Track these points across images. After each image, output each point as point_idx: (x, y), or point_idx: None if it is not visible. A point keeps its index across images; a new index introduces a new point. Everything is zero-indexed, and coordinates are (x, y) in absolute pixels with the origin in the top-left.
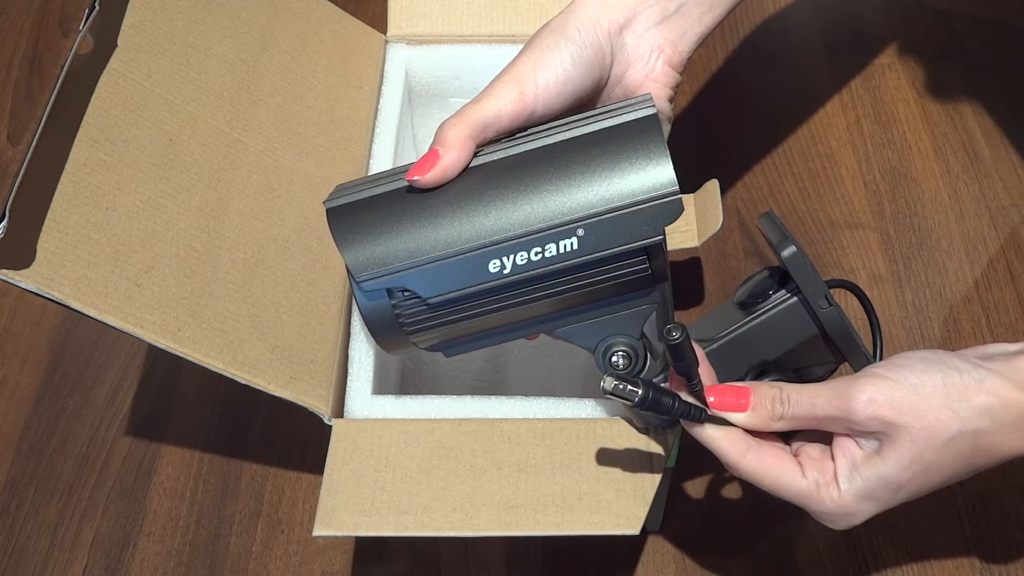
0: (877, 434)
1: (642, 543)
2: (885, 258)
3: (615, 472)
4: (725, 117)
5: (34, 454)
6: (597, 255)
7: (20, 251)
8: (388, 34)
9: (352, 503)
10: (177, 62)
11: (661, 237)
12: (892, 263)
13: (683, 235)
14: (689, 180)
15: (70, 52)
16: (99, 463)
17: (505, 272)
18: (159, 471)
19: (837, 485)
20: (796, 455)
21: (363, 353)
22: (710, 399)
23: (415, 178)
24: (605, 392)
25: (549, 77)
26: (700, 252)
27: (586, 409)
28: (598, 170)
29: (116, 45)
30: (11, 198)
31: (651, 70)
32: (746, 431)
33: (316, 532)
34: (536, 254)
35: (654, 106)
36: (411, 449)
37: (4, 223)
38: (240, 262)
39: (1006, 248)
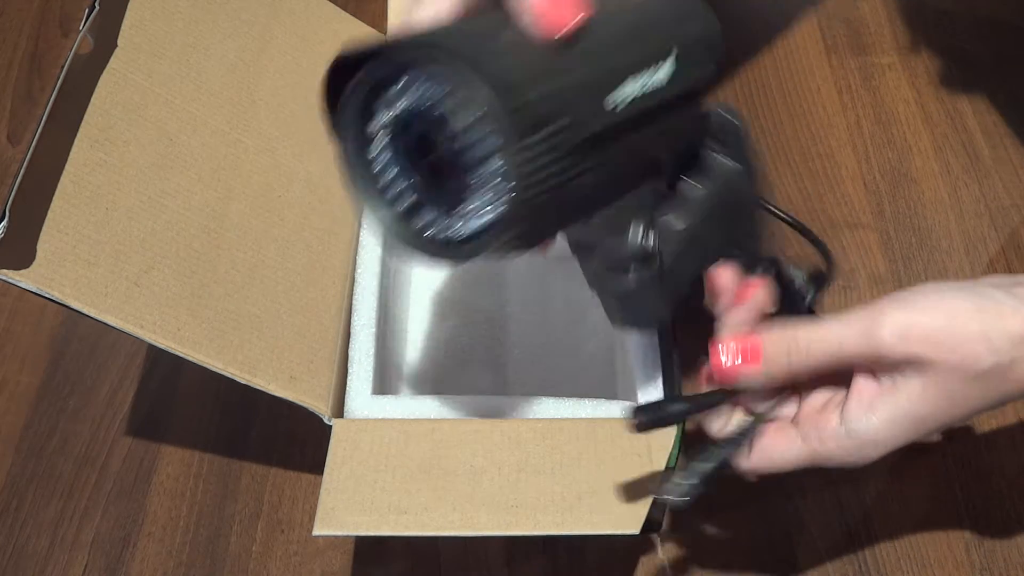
0: (902, 367)
1: (642, 543)
2: (885, 258)
3: (615, 472)
4: None
5: (34, 454)
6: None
7: (20, 251)
8: (388, 34)
9: (352, 503)
10: (177, 62)
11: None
12: (892, 263)
13: None
14: None
15: (70, 52)
16: (99, 463)
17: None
18: (159, 471)
19: (845, 430)
20: (797, 416)
21: (363, 353)
22: (717, 358)
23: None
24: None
25: None
26: None
27: (586, 409)
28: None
29: (116, 45)
30: (11, 198)
31: None
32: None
33: (316, 531)
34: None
35: None
36: (411, 449)
37: (4, 223)
38: (240, 262)
39: (1006, 248)
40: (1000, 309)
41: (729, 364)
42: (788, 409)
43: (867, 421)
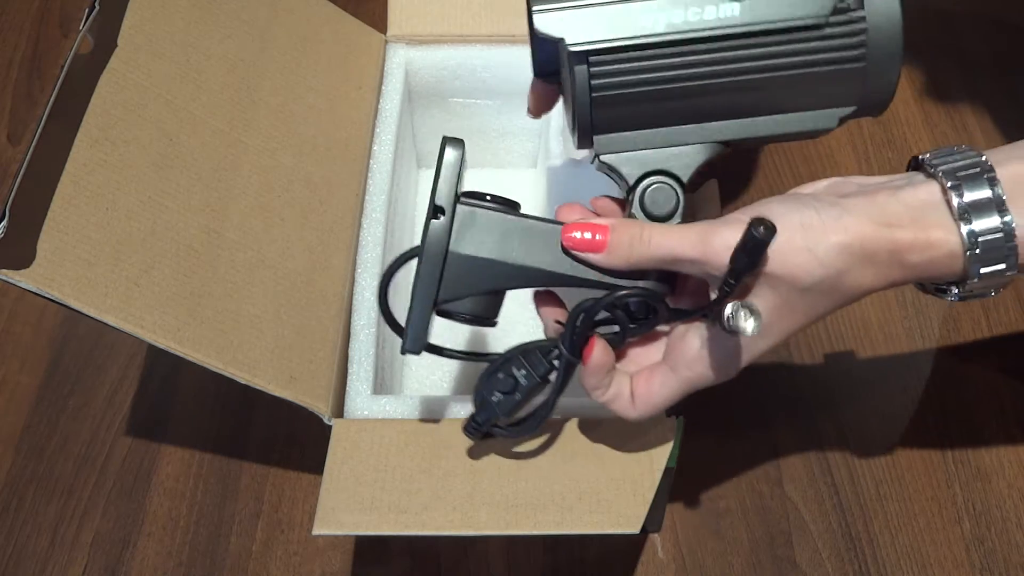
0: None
1: (642, 543)
2: None
3: (615, 471)
4: None
5: (34, 454)
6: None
7: (20, 251)
8: (388, 34)
9: (352, 502)
10: (177, 62)
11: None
12: None
13: None
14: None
15: (70, 52)
16: (99, 463)
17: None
18: (159, 471)
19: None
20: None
21: (363, 353)
22: (569, 235)
23: None
24: None
25: None
26: None
27: (586, 409)
28: None
29: (116, 45)
30: (11, 198)
31: None
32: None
33: (316, 531)
34: (694, 14)
35: None
36: (411, 449)
37: (4, 223)
38: (240, 262)
39: None
40: (823, 223)
41: (576, 244)
42: (649, 355)
43: (718, 335)
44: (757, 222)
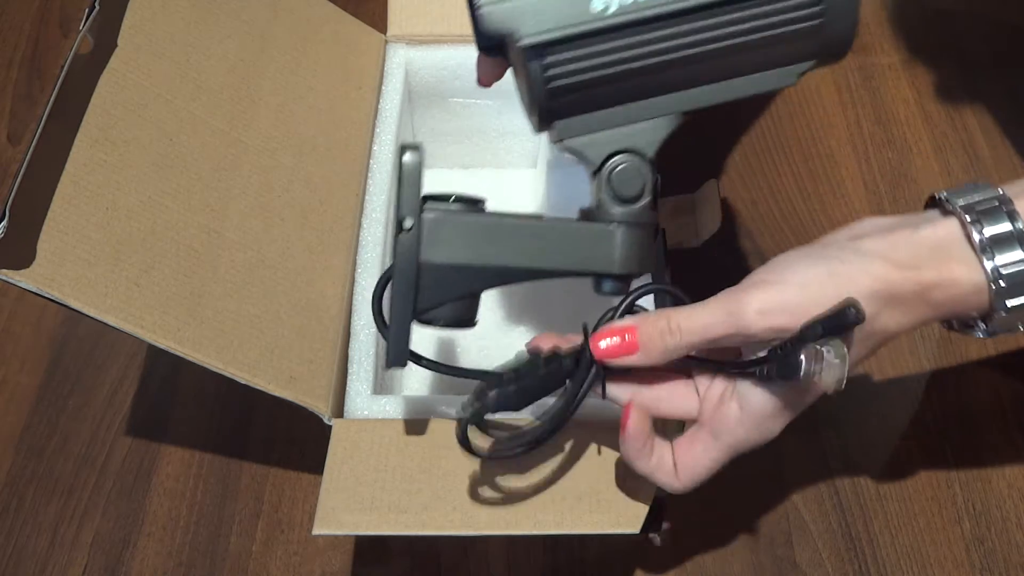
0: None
1: (642, 543)
2: None
3: (615, 471)
4: (725, 117)
5: (34, 454)
6: None
7: (20, 251)
8: (388, 34)
9: (352, 502)
10: (177, 62)
11: None
12: None
13: (683, 235)
14: (688, 180)
15: (70, 52)
16: (99, 463)
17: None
18: (159, 471)
19: (745, 414)
20: (701, 418)
21: (363, 353)
22: (598, 345)
23: None
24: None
25: None
26: (700, 252)
27: (586, 409)
28: None
29: (116, 45)
30: (11, 198)
31: None
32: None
33: (316, 531)
34: None
35: None
36: (411, 449)
37: (4, 223)
38: (240, 262)
39: None
40: (849, 272)
41: (607, 353)
42: (685, 404)
43: (759, 396)
44: (851, 304)
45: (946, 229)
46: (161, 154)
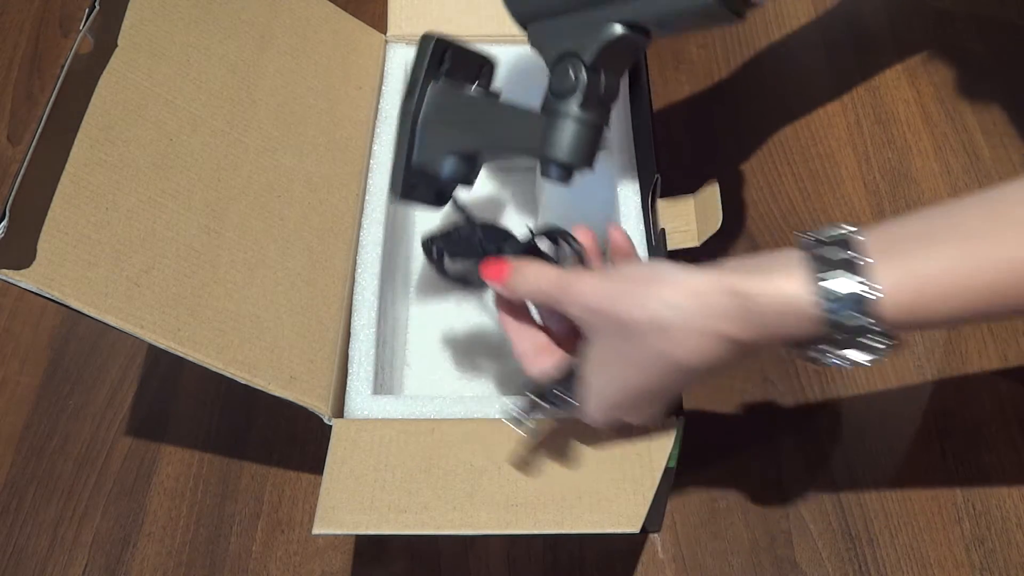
0: (587, 322)
1: (642, 542)
2: None
3: (615, 471)
4: (725, 117)
5: (34, 454)
6: None
7: (20, 251)
8: (388, 34)
9: (352, 501)
10: (177, 62)
11: None
12: None
13: (683, 235)
14: (689, 180)
15: (70, 52)
16: (99, 463)
17: None
18: (159, 471)
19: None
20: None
21: (363, 353)
22: (486, 266)
23: None
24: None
25: None
26: (700, 252)
27: None
28: None
29: (116, 45)
30: (11, 198)
31: None
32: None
33: (315, 530)
34: None
35: None
36: (411, 449)
37: (4, 223)
38: (240, 262)
39: None
40: (672, 278)
41: (488, 272)
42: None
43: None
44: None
45: (785, 254)
46: (161, 154)
